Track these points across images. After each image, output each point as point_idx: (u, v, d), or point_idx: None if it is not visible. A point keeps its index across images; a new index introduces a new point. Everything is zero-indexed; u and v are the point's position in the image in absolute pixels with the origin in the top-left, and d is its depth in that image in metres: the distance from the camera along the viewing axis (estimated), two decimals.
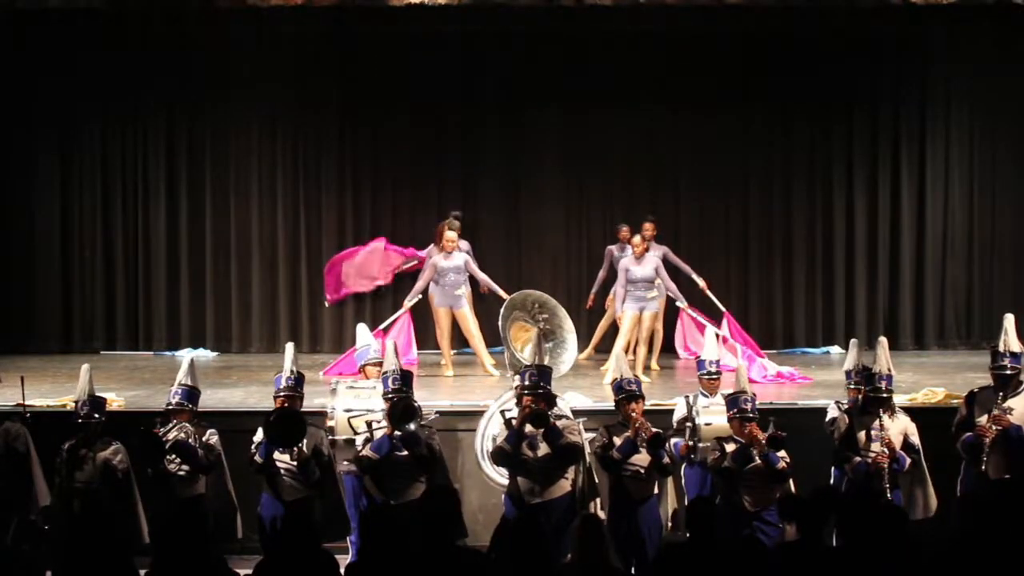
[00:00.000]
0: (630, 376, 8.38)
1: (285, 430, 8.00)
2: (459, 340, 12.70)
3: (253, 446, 8.14)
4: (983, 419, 8.37)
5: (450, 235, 12.14)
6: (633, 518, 8.00)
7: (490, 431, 8.79)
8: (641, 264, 11.85)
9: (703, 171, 14.49)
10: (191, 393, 8.41)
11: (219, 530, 8.11)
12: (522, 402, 8.10)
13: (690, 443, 8.69)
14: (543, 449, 8.00)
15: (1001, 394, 8.38)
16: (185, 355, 13.64)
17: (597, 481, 8.40)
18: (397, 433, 8.03)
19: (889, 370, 8.40)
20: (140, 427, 8.20)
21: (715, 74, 14.15)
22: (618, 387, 8.31)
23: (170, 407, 8.36)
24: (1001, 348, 8.45)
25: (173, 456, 8.10)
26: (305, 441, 8.06)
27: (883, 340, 8.68)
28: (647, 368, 12.06)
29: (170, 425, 8.23)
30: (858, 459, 8.21)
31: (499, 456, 8.15)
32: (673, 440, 8.66)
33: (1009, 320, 8.61)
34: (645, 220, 12.82)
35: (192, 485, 8.19)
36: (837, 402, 8.85)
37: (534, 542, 5.76)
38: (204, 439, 8.23)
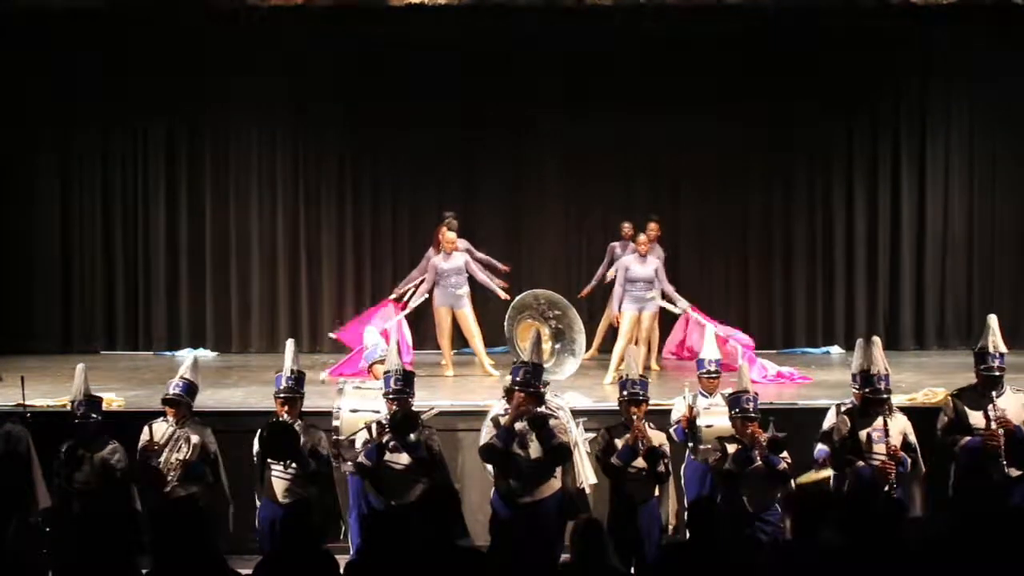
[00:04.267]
0: (636, 377, 8.33)
1: (278, 443, 8.00)
2: (459, 340, 12.69)
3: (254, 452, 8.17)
4: (977, 421, 8.32)
5: (449, 236, 12.12)
6: (633, 519, 8.00)
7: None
8: (643, 264, 11.82)
9: (703, 171, 14.48)
10: (190, 387, 8.39)
11: (212, 526, 8.13)
12: (513, 397, 8.09)
13: (690, 444, 8.70)
14: (533, 450, 8.01)
15: (994, 394, 8.35)
16: (188, 352, 13.69)
17: (588, 487, 8.41)
18: (387, 440, 8.02)
19: (886, 369, 8.37)
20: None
21: (715, 74, 14.14)
22: (623, 386, 8.30)
23: (167, 397, 8.33)
24: (991, 349, 8.40)
25: (172, 475, 8.09)
26: (303, 440, 8.06)
27: (876, 340, 8.61)
28: (647, 368, 12.05)
29: (165, 433, 8.19)
30: (860, 463, 8.17)
31: (489, 452, 8.11)
32: (673, 428, 8.67)
33: (994, 320, 8.57)
34: (649, 220, 12.74)
35: (185, 483, 8.18)
36: (839, 404, 8.82)
37: (534, 541, 5.77)
38: (202, 440, 8.21)
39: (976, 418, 8.36)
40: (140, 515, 8.18)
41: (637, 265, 11.80)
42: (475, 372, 12.21)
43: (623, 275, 11.79)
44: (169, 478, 8.09)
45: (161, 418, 8.34)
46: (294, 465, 8.07)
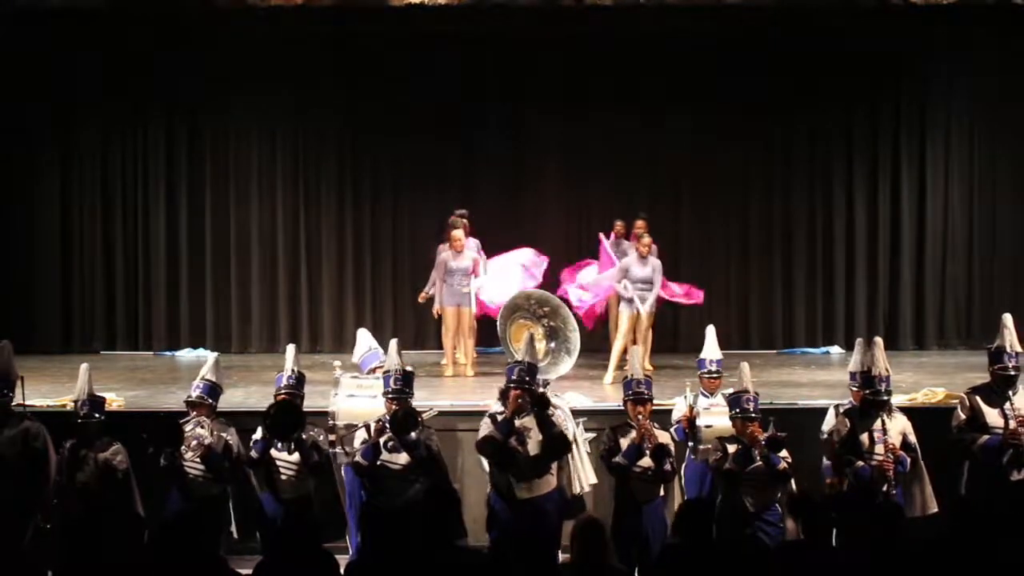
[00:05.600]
0: (640, 377, 8.34)
1: (284, 418, 8.03)
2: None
3: (251, 442, 8.17)
4: (994, 420, 8.28)
5: (455, 234, 12.00)
6: (637, 519, 7.99)
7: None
8: (643, 265, 11.81)
9: (703, 171, 14.49)
10: (213, 389, 8.42)
11: (246, 528, 8.18)
12: (509, 396, 8.10)
13: (690, 444, 8.69)
14: (532, 447, 8.02)
15: (1011, 393, 8.32)
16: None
17: (588, 487, 8.41)
18: (386, 439, 8.03)
19: (887, 371, 8.34)
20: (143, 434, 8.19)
21: (715, 74, 14.15)
22: (627, 386, 8.31)
23: (190, 400, 8.38)
24: (1008, 348, 8.33)
25: (191, 455, 8.09)
26: (304, 436, 8.08)
27: (878, 341, 8.54)
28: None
29: (188, 418, 8.25)
30: (860, 463, 8.15)
31: (487, 446, 8.11)
32: (674, 427, 8.67)
33: (1009, 319, 8.54)
34: (637, 218, 12.66)
35: (210, 484, 8.20)
36: (837, 405, 8.79)
37: (535, 541, 5.77)
38: (224, 437, 8.23)
39: (992, 416, 8.26)
40: (142, 517, 8.18)
41: (637, 266, 11.80)
42: (485, 372, 12.09)
43: (620, 275, 11.78)
44: (189, 455, 8.09)
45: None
46: (297, 455, 8.08)
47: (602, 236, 12.79)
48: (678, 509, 8.51)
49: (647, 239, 11.93)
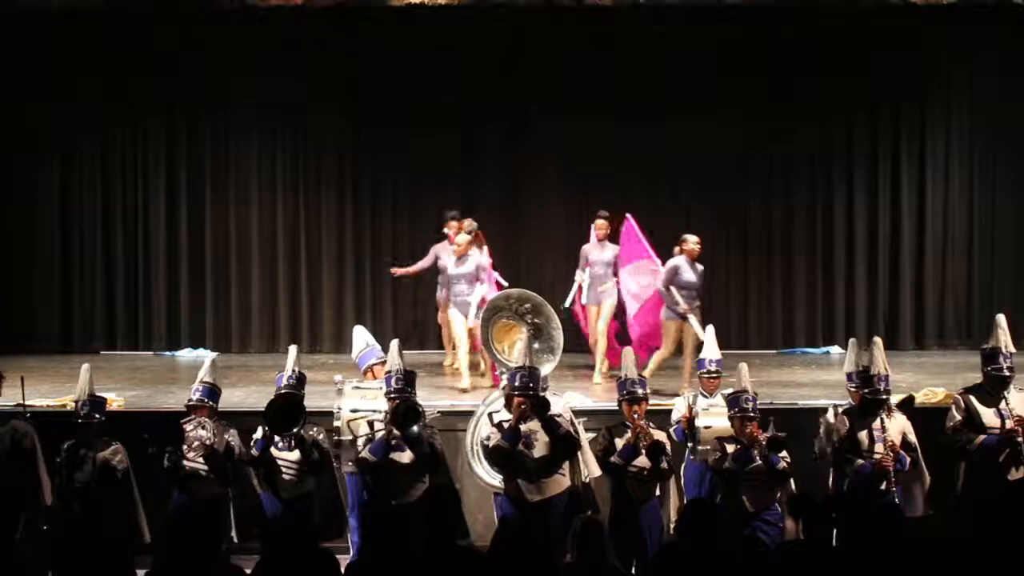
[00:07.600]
0: (635, 376, 8.33)
1: (285, 412, 8.05)
2: None
3: (252, 441, 8.18)
4: (989, 420, 8.28)
5: (461, 239, 11.54)
6: (634, 519, 7.99)
7: (480, 433, 8.70)
8: (694, 269, 10.95)
9: (703, 171, 14.48)
10: (212, 391, 8.45)
11: (245, 527, 8.18)
12: (513, 403, 8.07)
13: (689, 444, 8.69)
14: (539, 449, 8.01)
15: (1005, 394, 8.31)
16: (189, 351, 13.67)
17: (592, 480, 8.40)
18: (395, 434, 8.04)
19: (886, 370, 8.33)
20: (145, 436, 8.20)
21: (715, 74, 14.15)
22: (621, 387, 8.31)
23: (190, 403, 8.40)
24: (1003, 348, 8.33)
25: (194, 455, 8.10)
26: (304, 434, 8.10)
27: (878, 340, 8.55)
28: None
29: (189, 417, 8.27)
30: (860, 461, 8.15)
31: (497, 455, 8.10)
32: (673, 427, 8.66)
33: (1003, 319, 8.50)
34: (598, 216, 12.00)
35: (212, 484, 8.20)
36: (835, 405, 8.79)
37: (535, 542, 5.76)
38: (225, 438, 8.24)
39: (988, 416, 8.27)
40: (140, 517, 8.19)
41: (689, 271, 10.84)
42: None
43: (670, 279, 10.81)
44: (191, 455, 8.11)
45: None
46: (297, 453, 8.08)
47: (629, 216, 12.01)
48: (682, 509, 8.56)
49: (692, 238, 10.92)
